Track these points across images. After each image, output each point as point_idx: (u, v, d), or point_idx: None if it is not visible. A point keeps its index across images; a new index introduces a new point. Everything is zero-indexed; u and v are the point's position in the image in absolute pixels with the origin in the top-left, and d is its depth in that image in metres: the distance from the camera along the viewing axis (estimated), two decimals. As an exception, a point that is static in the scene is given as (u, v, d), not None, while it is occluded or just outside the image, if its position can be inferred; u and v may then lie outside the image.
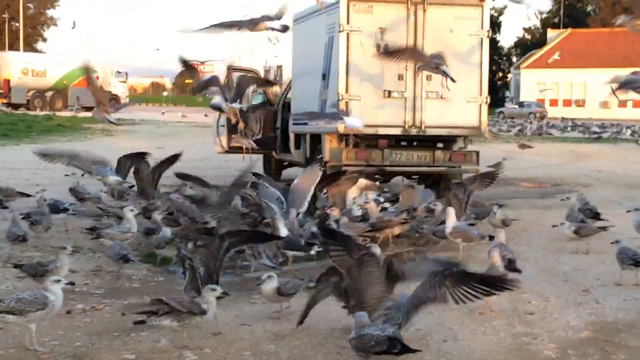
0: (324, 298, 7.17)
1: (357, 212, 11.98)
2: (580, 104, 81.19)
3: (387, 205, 12.73)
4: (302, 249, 9.79)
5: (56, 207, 11.96)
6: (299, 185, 12.02)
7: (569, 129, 49.35)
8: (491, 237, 9.86)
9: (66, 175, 15.74)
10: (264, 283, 7.80)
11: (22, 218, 11.33)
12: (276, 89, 24.49)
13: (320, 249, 9.62)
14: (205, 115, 43.85)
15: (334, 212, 11.23)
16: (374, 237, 11.08)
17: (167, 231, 10.67)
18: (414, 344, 7.02)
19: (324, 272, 7.28)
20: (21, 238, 10.51)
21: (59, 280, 6.89)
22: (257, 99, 22.00)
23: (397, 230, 11.38)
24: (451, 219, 10.63)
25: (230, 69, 20.08)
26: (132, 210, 10.69)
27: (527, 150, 27.08)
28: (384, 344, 6.01)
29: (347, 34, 14.95)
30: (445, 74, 13.45)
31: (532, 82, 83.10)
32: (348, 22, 14.93)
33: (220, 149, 19.51)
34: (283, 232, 9.92)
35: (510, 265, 8.80)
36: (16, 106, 59.43)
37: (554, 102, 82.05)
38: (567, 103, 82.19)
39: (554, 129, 48.63)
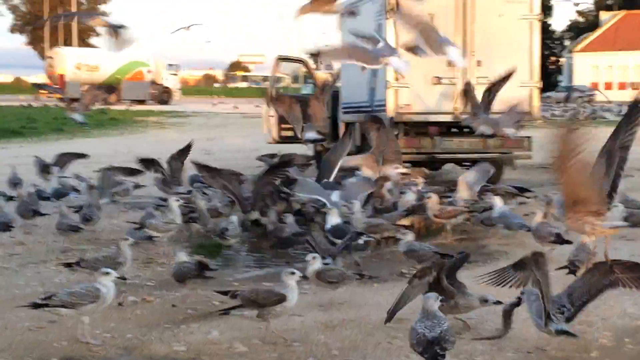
0: (415, 296, 6.94)
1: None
2: (636, 86, 79.78)
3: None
4: (351, 238, 9.66)
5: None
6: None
7: (624, 112, 48.51)
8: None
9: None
10: (308, 264, 7.79)
11: (75, 211, 11.49)
12: (326, 77, 24.43)
13: (369, 239, 9.57)
14: (257, 106, 43.98)
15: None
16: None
17: (233, 218, 10.71)
18: (467, 332, 6.96)
19: (419, 270, 7.02)
20: (75, 228, 10.68)
21: (109, 273, 6.93)
22: (307, 89, 22.00)
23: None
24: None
25: (279, 59, 20.10)
26: (177, 201, 10.72)
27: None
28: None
29: (393, 20, 14.83)
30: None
31: (585, 66, 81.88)
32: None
33: (271, 139, 19.54)
34: (333, 220, 9.84)
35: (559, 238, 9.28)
36: (71, 100, 60.19)
37: (608, 86, 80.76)
38: (622, 86, 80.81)
39: (608, 113, 47.83)
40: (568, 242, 9.67)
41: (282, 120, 19.28)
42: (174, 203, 10.60)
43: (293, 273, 6.93)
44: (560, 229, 9.79)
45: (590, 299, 6.64)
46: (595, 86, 76.32)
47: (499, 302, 6.75)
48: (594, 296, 6.65)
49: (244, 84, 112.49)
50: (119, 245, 8.45)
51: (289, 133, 19.41)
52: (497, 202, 10.81)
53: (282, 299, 6.77)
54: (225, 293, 7.16)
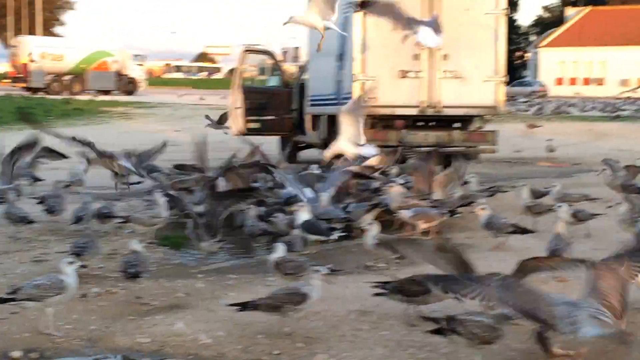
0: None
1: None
2: (599, 82, 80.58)
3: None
4: (323, 233, 9.64)
5: None
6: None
7: (588, 108, 48.98)
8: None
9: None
10: (271, 252, 7.85)
11: (38, 202, 11.38)
12: (292, 69, 24.40)
13: (343, 234, 9.60)
14: (223, 97, 43.81)
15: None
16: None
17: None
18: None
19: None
20: (24, 220, 10.59)
21: (72, 262, 6.88)
22: (274, 80, 21.96)
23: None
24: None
25: (247, 51, 20.04)
26: (163, 195, 10.63)
27: (545, 129, 26.90)
28: None
29: (363, 13, 14.84)
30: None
31: (550, 62, 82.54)
32: (363, 2, 14.83)
33: (235, 131, 19.47)
34: (303, 216, 9.78)
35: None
36: (35, 90, 59.62)
37: (573, 81, 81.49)
38: (586, 82, 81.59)
39: (572, 108, 48.28)
40: (529, 231, 9.86)
41: (248, 112, 19.25)
42: (160, 197, 10.50)
43: (71, 262, 6.86)
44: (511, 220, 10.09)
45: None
46: (560, 82, 77.03)
47: None
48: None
49: (179, 75, 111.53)
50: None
51: (255, 125, 19.40)
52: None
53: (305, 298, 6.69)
54: (244, 306, 6.79)
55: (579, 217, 10.52)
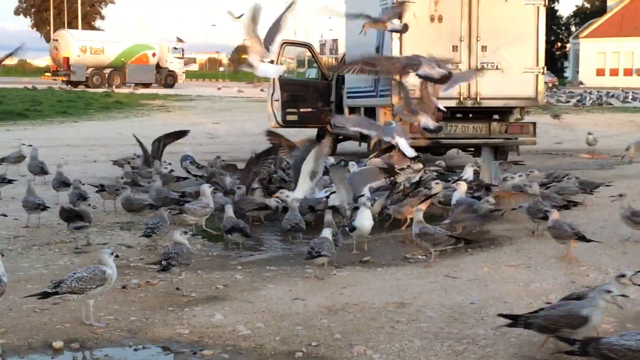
0: None
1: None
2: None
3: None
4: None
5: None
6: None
7: (630, 99, 48.37)
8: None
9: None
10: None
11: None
12: (331, 61, 24.36)
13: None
14: (262, 90, 43.92)
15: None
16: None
17: (272, 201, 10.92)
18: (469, 318, 6.97)
19: None
20: (41, 207, 10.77)
21: (113, 253, 6.96)
22: (312, 73, 21.96)
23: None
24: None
25: (284, 43, 20.05)
26: (210, 187, 10.73)
27: (586, 121, 26.57)
28: None
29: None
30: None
31: (591, 52, 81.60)
32: (402, -7, 14.78)
33: (274, 124, 19.49)
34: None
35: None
36: (75, 84, 60.26)
37: (614, 72, 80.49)
38: (627, 72, 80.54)
39: (614, 99, 47.73)
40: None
41: (287, 104, 19.27)
42: (208, 189, 10.57)
43: (112, 253, 6.98)
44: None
45: None
46: (601, 72, 76.10)
47: None
48: None
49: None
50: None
51: (293, 117, 19.42)
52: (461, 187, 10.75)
53: (585, 322, 5.93)
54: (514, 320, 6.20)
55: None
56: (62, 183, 12.50)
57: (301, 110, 19.45)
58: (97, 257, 7.07)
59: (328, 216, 9.33)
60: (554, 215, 9.23)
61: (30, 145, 15.38)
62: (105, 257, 6.92)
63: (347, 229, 9.59)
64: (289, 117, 19.44)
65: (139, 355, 6.25)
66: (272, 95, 19.49)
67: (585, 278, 8.31)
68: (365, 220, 9.24)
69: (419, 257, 9.29)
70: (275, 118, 19.43)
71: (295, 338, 6.50)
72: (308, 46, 21.76)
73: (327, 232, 8.52)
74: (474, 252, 9.49)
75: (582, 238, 8.98)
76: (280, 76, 19.83)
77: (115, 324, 6.81)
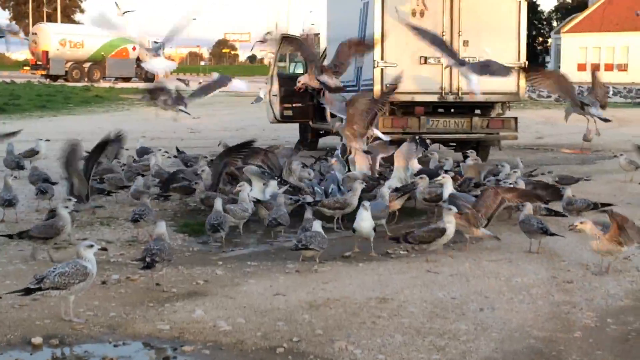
0: None
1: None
2: (622, 68, 79.82)
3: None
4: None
5: None
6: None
7: (611, 94, 48.53)
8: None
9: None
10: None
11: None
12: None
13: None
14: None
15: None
16: None
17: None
18: (450, 313, 6.97)
19: None
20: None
21: (92, 246, 6.89)
22: (298, 68, 21.90)
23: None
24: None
25: (285, 38, 19.94)
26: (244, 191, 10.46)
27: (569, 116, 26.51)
28: None
29: (383, -1, 14.78)
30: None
31: (572, 47, 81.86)
32: (384, -13, 14.77)
33: (272, 118, 19.47)
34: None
35: None
36: (55, 78, 59.86)
37: (595, 67, 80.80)
38: (609, 67, 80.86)
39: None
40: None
41: (284, 99, 19.19)
42: (244, 193, 10.28)
43: (90, 246, 6.87)
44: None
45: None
46: (582, 67, 76.30)
47: None
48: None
49: None
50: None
51: (289, 112, 19.38)
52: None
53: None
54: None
55: None
56: (38, 178, 12.39)
57: (294, 105, 19.40)
58: (76, 251, 6.98)
59: (308, 214, 9.32)
60: (527, 209, 9.38)
61: (48, 140, 15.35)
62: (82, 250, 6.84)
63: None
64: (286, 112, 19.39)
65: (118, 351, 6.20)
66: (271, 90, 19.42)
67: (566, 273, 8.34)
68: (363, 221, 9.19)
69: (401, 252, 9.29)
70: (273, 113, 19.36)
71: (276, 334, 6.48)
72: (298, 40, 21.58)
73: (317, 226, 8.49)
74: (455, 247, 9.49)
75: (545, 232, 9.05)
76: (279, 72, 19.79)
77: (95, 320, 6.76)
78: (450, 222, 8.78)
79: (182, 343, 6.30)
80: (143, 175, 12.26)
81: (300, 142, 17.42)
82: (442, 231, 8.75)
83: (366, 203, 9.40)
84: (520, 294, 7.58)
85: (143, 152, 15.15)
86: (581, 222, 8.29)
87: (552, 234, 9.09)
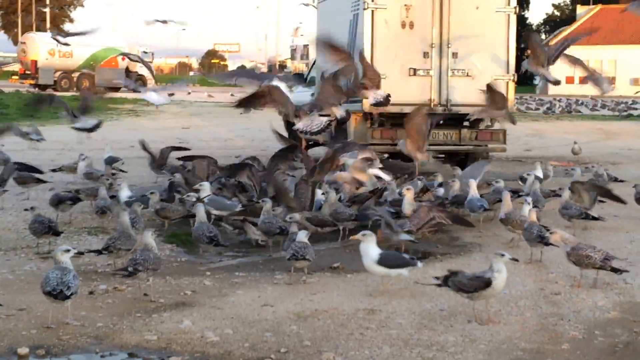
0: None
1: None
2: (610, 81, 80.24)
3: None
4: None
5: None
6: None
7: (599, 106, 48.75)
8: None
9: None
10: None
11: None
12: (302, 67, 24.34)
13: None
14: (232, 95, 43.80)
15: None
16: None
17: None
18: (438, 325, 6.96)
19: None
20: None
21: (68, 250, 6.88)
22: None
23: None
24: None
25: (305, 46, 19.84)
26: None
27: (556, 129, 26.71)
28: None
29: (372, 11, 14.82)
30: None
31: (561, 60, 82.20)
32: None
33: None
34: None
35: None
36: (44, 87, 59.69)
37: (583, 80, 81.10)
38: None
39: (583, 107, 48.11)
40: None
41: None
42: (267, 205, 9.96)
43: (67, 251, 6.89)
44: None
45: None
46: (570, 80, 76.62)
47: None
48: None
49: None
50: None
51: None
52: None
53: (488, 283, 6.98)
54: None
55: None
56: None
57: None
58: (53, 256, 6.93)
59: (293, 227, 9.28)
60: (506, 204, 9.97)
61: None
62: (59, 255, 6.83)
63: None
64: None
65: (105, 362, 6.18)
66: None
67: (554, 285, 8.35)
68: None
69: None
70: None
71: (264, 344, 6.46)
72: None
73: (302, 236, 8.46)
74: (443, 258, 9.50)
75: (544, 241, 9.09)
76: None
77: (82, 330, 6.73)
78: (500, 271, 7.04)
79: (170, 354, 6.28)
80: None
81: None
82: (488, 283, 7.00)
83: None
84: (508, 305, 7.58)
85: (112, 161, 15.21)
86: (551, 233, 8.42)
87: (550, 244, 9.07)
